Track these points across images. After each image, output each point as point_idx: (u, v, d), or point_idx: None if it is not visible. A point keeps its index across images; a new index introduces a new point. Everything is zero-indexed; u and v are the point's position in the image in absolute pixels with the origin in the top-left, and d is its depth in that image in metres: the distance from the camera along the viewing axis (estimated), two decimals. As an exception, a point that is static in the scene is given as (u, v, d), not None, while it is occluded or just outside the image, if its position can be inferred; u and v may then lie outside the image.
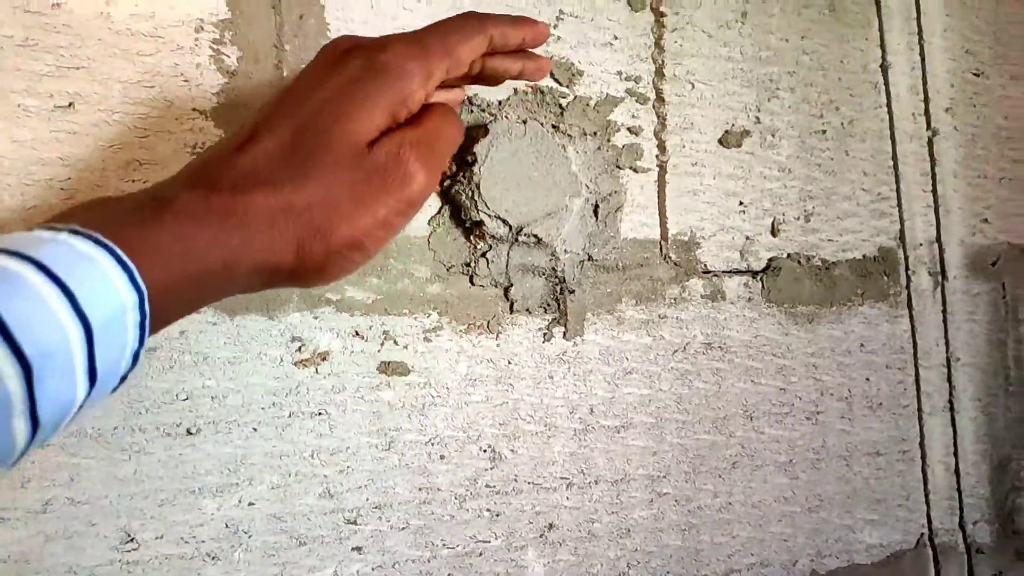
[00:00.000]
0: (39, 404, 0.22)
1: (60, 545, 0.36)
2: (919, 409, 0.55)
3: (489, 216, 0.43)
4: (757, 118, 0.51)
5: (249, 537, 0.39)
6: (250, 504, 0.39)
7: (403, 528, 0.42)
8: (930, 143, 0.56)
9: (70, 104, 0.37)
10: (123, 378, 0.26)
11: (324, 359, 0.41)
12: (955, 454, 0.56)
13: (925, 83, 0.56)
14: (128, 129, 0.38)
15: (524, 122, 0.44)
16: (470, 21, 0.33)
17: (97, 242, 0.23)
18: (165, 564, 0.38)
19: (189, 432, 0.38)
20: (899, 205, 0.55)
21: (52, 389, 0.22)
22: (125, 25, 0.38)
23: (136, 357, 0.26)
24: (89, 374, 0.23)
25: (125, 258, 0.24)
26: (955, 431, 0.56)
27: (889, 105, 0.55)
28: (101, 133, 0.38)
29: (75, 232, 0.23)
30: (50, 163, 0.37)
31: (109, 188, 0.38)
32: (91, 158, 0.38)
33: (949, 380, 0.56)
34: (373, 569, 0.41)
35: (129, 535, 0.37)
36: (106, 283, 0.23)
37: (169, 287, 0.26)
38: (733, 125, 0.51)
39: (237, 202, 0.27)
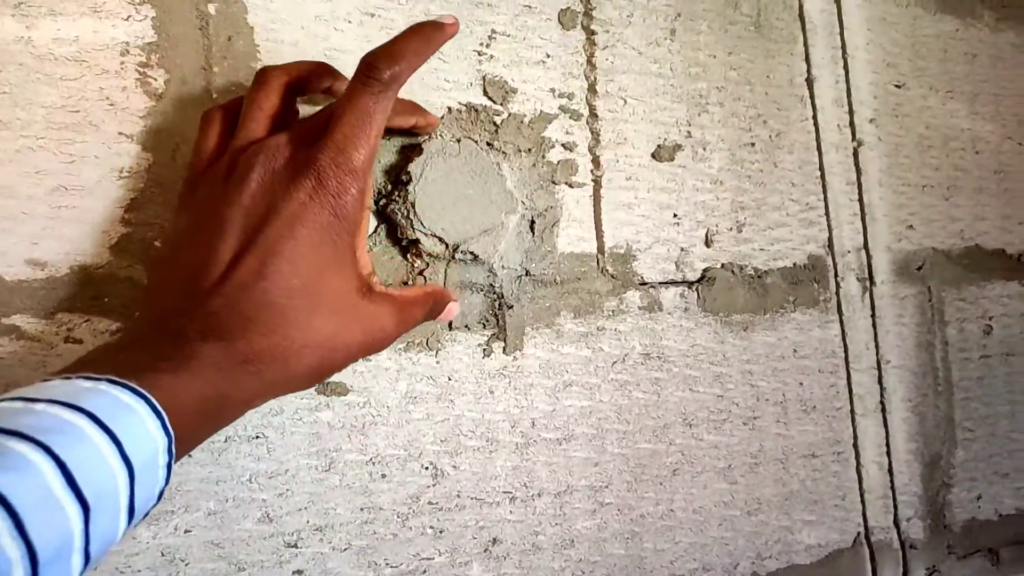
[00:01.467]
0: (92, 541, 0.24)
1: (-14, 582, 0.35)
2: (852, 411, 0.57)
3: (425, 235, 0.43)
4: (688, 132, 0.53)
5: (186, 565, 0.39)
6: (186, 531, 0.39)
7: (345, 549, 0.42)
8: (855, 153, 0.59)
9: None
10: (146, 514, 0.28)
11: (260, 382, 0.41)
12: (888, 453, 0.58)
13: (849, 95, 0.59)
14: (53, 155, 0.38)
15: (458, 140, 0.45)
16: (370, 124, 0.34)
17: (134, 391, 0.26)
18: (98, 596, 0.37)
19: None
20: (827, 214, 0.57)
21: (102, 527, 0.24)
22: (47, 49, 0.38)
23: (161, 494, 0.28)
24: (129, 512, 0.25)
25: (158, 406, 0.26)
26: (887, 431, 0.58)
27: (815, 117, 0.57)
28: (25, 159, 0.37)
29: (113, 382, 0.26)
30: None
31: (36, 215, 0.37)
32: (15, 184, 0.37)
33: (880, 382, 0.58)
34: (315, 591, 0.41)
35: (60, 568, 0.37)
36: (144, 429, 0.26)
37: (192, 428, 0.29)
38: (665, 139, 0.52)
39: (252, 352, 0.30)
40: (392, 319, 0.35)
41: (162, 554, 0.38)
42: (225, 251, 0.32)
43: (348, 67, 0.43)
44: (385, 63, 0.32)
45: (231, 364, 0.30)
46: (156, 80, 0.40)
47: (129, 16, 0.39)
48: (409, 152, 0.44)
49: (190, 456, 0.39)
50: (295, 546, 0.41)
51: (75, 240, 0.38)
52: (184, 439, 0.28)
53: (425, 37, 0.33)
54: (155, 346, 0.30)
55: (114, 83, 0.39)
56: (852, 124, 0.59)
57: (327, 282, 0.33)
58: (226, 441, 0.40)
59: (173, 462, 0.28)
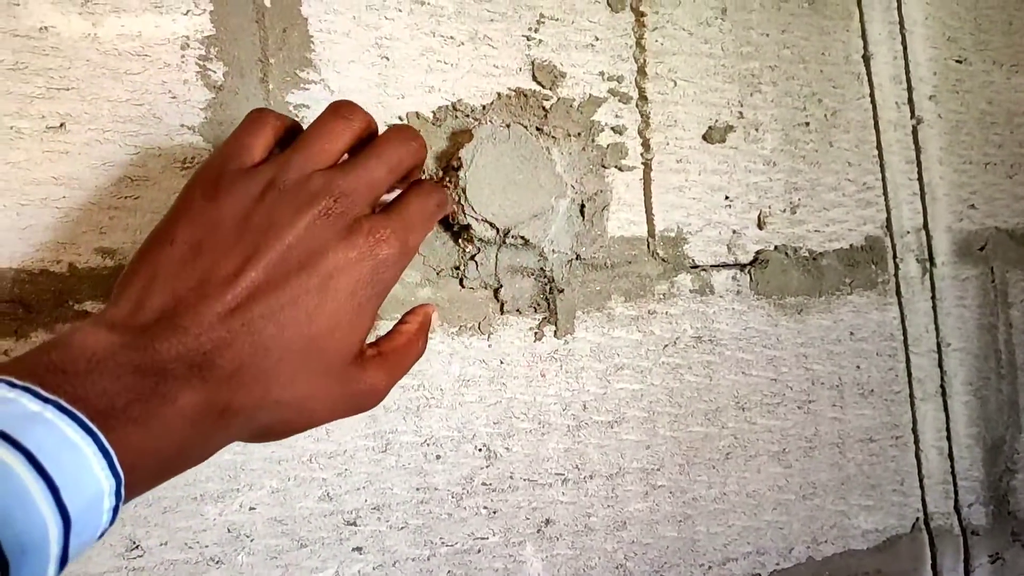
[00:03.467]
0: None
1: (67, 554, 0.37)
2: (911, 395, 0.55)
3: (476, 220, 0.43)
4: (740, 113, 0.52)
5: (251, 540, 0.40)
6: (251, 509, 0.40)
7: (402, 528, 0.43)
8: (914, 131, 0.57)
9: (61, 124, 0.38)
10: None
11: (319, 365, 0.42)
12: (948, 438, 0.56)
13: (908, 72, 0.57)
14: (119, 147, 0.39)
15: (508, 126, 0.45)
16: (436, 215, 0.35)
17: (84, 427, 0.23)
18: (170, 569, 0.39)
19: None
20: (885, 194, 0.56)
21: None
22: (112, 45, 0.39)
23: (103, 535, 0.25)
24: (60, 561, 0.23)
25: (108, 446, 0.23)
26: (947, 415, 0.56)
27: (872, 95, 0.56)
28: (92, 151, 0.39)
29: (63, 409, 0.23)
30: (44, 183, 0.38)
31: (103, 205, 0.39)
32: (84, 176, 0.38)
33: (940, 365, 0.57)
34: (374, 568, 0.42)
35: (134, 542, 0.38)
36: (88, 471, 0.23)
37: (146, 479, 0.26)
38: (716, 121, 0.51)
39: (233, 403, 0.27)
40: (383, 380, 0.33)
41: (228, 530, 0.40)
42: (245, 278, 0.28)
43: (399, 56, 0.44)
44: (448, 207, 0.37)
45: (207, 416, 0.27)
46: (215, 72, 0.41)
47: (188, 11, 0.41)
48: (459, 138, 0.45)
49: (253, 437, 0.40)
50: (354, 524, 0.42)
51: (141, 229, 0.39)
52: (135, 487, 0.25)
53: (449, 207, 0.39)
54: (129, 373, 0.25)
55: (175, 76, 0.40)
56: (911, 101, 0.57)
57: (332, 344, 0.30)
58: (287, 422, 0.41)
59: (121, 504, 0.25)
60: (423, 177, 0.40)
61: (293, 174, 0.31)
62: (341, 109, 0.33)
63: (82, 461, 0.23)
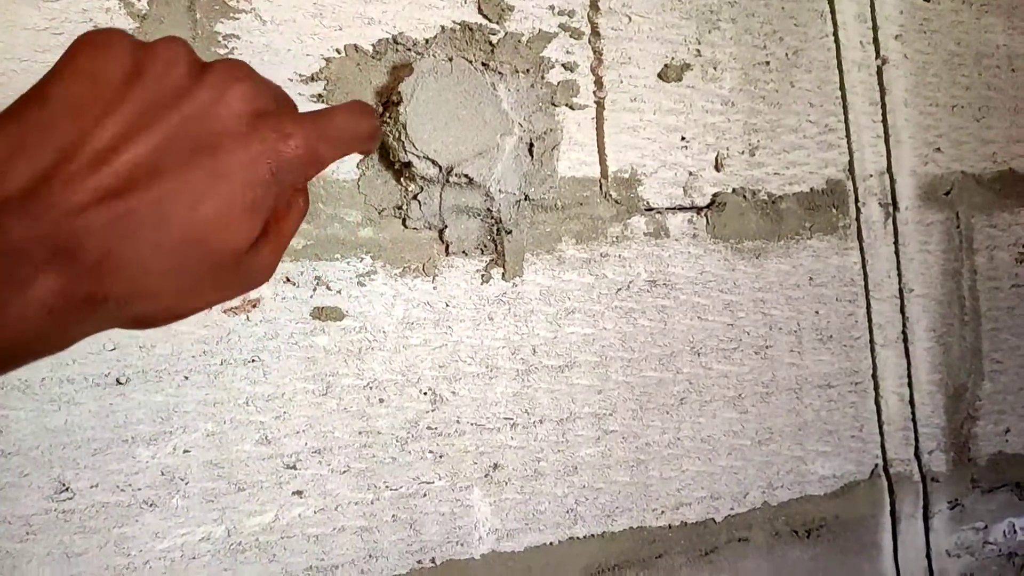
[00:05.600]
0: None
1: (-6, 497, 0.37)
2: (871, 341, 0.55)
3: (417, 157, 0.42)
4: (698, 51, 0.51)
5: (186, 484, 0.39)
6: (185, 452, 0.39)
7: (344, 471, 0.42)
8: (879, 72, 0.56)
9: None
10: None
11: (255, 306, 0.41)
12: (909, 385, 0.56)
13: (873, 10, 0.55)
14: (37, 77, 0.37)
15: (450, 59, 0.43)
16: (351, 145, 0.32)
17: None
18: (102, 512, 0.38)
19: (119, 382, 0.38)
20: (847, 136, 0.55)
21: None
22: (29, -29, 0.37)
23: None
24: None
25: None
26: (909, 362, 0.56)
27: (836, 34, 0.54)
28: (9, 82, 0.37)
29: None
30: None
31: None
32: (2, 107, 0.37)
33: (902, 311, 0.56)
34: (315, 512, 0.42)
35: (64, 484, 0.38)
36: None
37: None
38: (673, 59, 0.50)
39: (99, 292, 0.25)
40: (269, 256, 0.30)
41: (162, 473, 0.39)
42: (123, 156, 0.25)
43: None
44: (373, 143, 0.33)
45: (68, 304, 0.24)
46: (139, 1, 0.39)
47: (110, -65, 0.39)
48: (400, 72, 0.43)
49: (186, 378, 0.39)
50: (294, 468, 0.41)
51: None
52: None
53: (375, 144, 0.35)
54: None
55: (97, 4, 0.38)
56: (876, 41, 0.56)
57: (219, 240, 0.27)
58: (222, 364, 0.40)
59: None
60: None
61: (200, 63, 0.27)
62: None
63: None
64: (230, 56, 0.40)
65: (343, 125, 0.32)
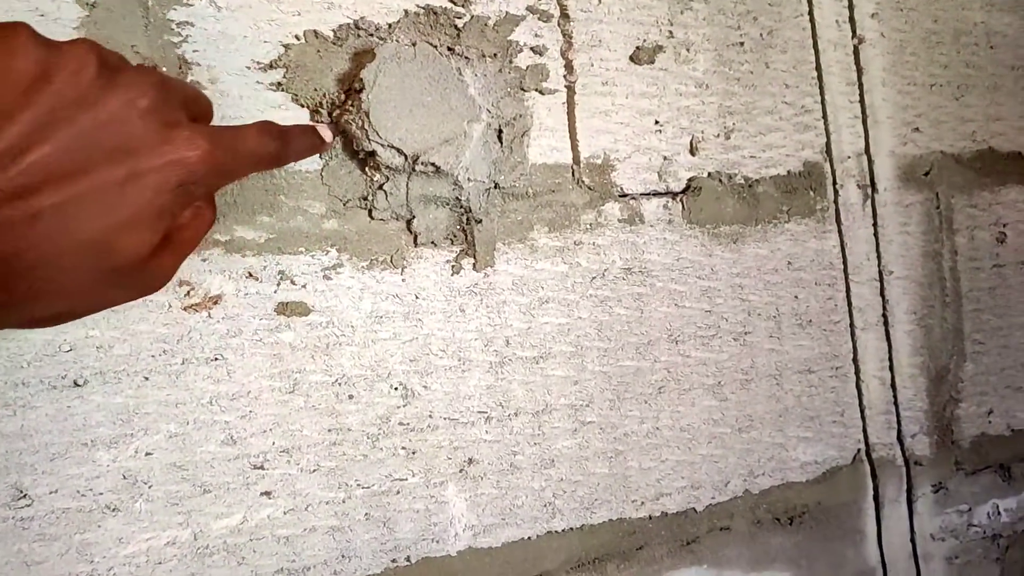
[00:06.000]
0: None
1: (-53, 506, 0.35)
2: (851, 324, 0.54)
3: (382, 145, 0.41)
4: (670, 32, 0.49)
5: (149, 487, 0.38)
6: (147, 454, 0.38)
7: (314, 470, 0.41)
8: (855, 51, 0.55)
9: None
10: None
11: (216, 303, 0.40)
12: (891, 368, 0.55)
13: (848, -12, 0.54)
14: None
15: (414, 44, 0.42)
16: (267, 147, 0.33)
17: None
18: (63, 518, 0.37)
19: (76, 384, 0.37)
20: (824, 117, 0.54)
21: None
22: (-32, -42, 0.36)
23: None
24: None
25: None
26: (890, 345, 0.55)
27: (811, 13, 0.53)
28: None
29: None
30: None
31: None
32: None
33: (882, 294, 0.55)
34: (285, 513, 0.41)
35: (21, 491, 0.36)
36: None
37: None
38: (645, 40, 0.49)
39: (6, 293, 0.25)
40: (169, 261, 0.31)
41: (124, 476, 0.38)
42: (35, 154, 0.25)
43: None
44: (287, 144, 0.34)
45: None
46: (86, -12, 0.38)
47: (54, -80, 0.37)
48: (362, 58, 0.42)
49: (146, 379, 0.38)
50: (262, 468, 0.40)
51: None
52: None
53: (312, 144, 0.38)
54: None
55: (42, -8, 0.37)
56: (852, 19, 0.55)
57: (123, 244, 0.27)
58: (183, 363, 0.39)
59: None
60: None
61: (117, 56, 0.28)
62: None
63: None
64: (184, 43, 0.38)
65: (253, 144, 0.32)
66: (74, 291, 0.27)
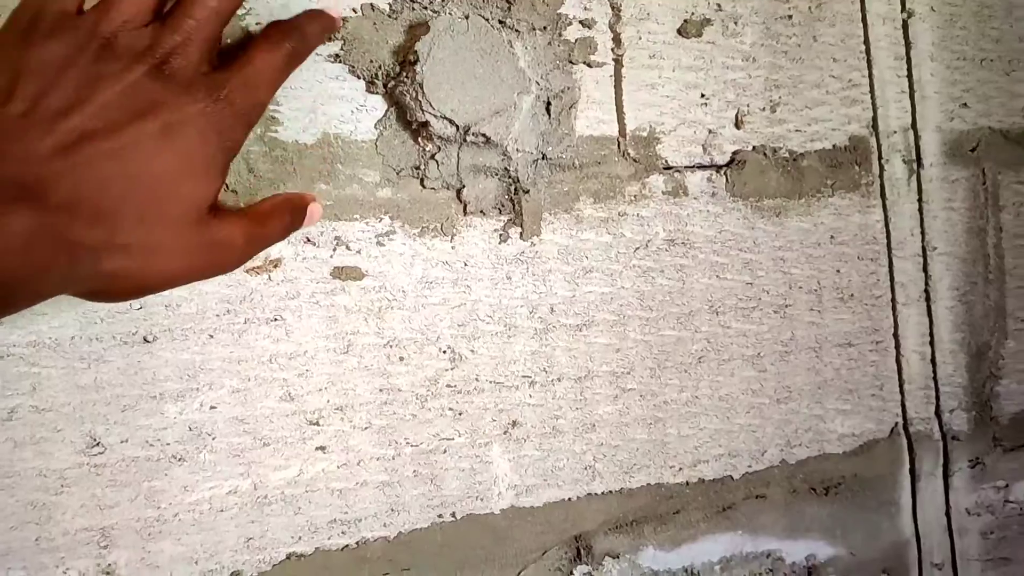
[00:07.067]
0: None
1: (29, 451, 0.38)
2: (893, 300, 0.54)
3: (435, 116, 0.42)
4: (718, 5, 0.50)
5: (213, 439, 0.41)
6: (212, 408, 0.40)
7: (366, 428, 0.43)
8: (905, 25, 0.54)
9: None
10: None
11: (276, 266, 0.41)
12: (931, 343, 0.55)
13: (899, -40, 0.54)
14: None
15: (467, 17, 0.43)
16: (281, 76, 0.34)
17: None
18: (132, 466, 0.39)
19: (146, 340, 0.39)
20: (871, 91, 0.53)
21: None
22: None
23: None
24: None
25: None
26: (931, 321, 0.55)
27: (860, -14, 0.53)
28: None
29: None
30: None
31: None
32: None
33: (925, 270, 0.55)
34: (338, 467, 0.43)
35: (95, 439, 0.39)
36: None
37: None
38: (692, 14, 0.49)
39: (72, 234, 0.26)
40: (242, 235, 0.32)
41: (189, 428, 0.40)
42: (76, 119, 0.27)
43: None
44: (302, 34, 0.35)
45: (43, 242, 0.26)
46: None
47: None
48: (416, 31, 0.43)
49: (211, 336, 0.40)
50: (317, 424, 0.42)
51: None
52: None
53: (323, 26, 0.37)
54: None
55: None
56: (902, -8, 0.54)
57: (180, 190, 0.30)
58: (245, 323, 0.41)
59: None
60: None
61: (112, 26, 0.29)
62: None
63: None
64: (247, 15, 0.40)
65: (265, 63, 0.33)
66: (141, 244, 0.29)
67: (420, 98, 0.42)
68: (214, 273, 0.33)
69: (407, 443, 0.44)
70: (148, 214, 0.29)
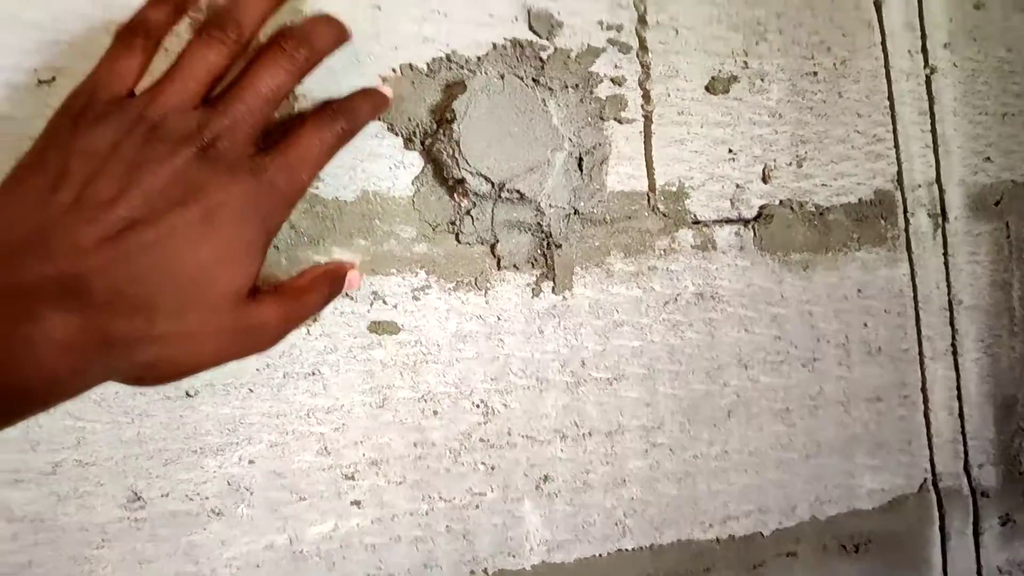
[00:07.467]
0: None
1: (72, 505, 0.38)
2: (920, 353, 0.54)
3: (471, 173, 0.43)
4: (745, 63, 0.51)
5: (251, 493, 0.41)
6: (250, 462, 0.41)
7: (400, 482, 0.43)
8: (928, 81, 0.55)
9: (52, 79, 0.38)
10: None
11: (315, 320, 0.42)
12: (958, 397, 0.55)
13: (921, 18, 0.55)
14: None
15: (502, 77, 0.44)
16: (325, 157, 0.34)
17: None
18: (172, 520, 0.40)
19: (188, 395, 0.40)
20: (896, 146, 0.54)
21: None
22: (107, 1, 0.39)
23: None
24: None
25: None
26: (958, 374, 0.55)
27: (884, 43, 0.54)
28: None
29: None
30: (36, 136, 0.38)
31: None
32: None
33: (951, 323, 0.55)
34: (372, 522, 0.43)
35: (136, 494, 0.39)
36: None
37: (14, 400, 0.25)
38: (720, 71, 0.50)
39: (111, 331, 0.27)
40: (279, 316, 0.33)
41: (228, 483, 0.40)
42: (121, 208, 0.28)
43: (392, 5, 0.43)
44: (353, 114, 0.36)
45: (81, 343, 0.26)
46: (205, 26, 0.40)
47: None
48: (453, 90, 0.44)
49: (251, 391, 0.41)
50: (352, 478, 0.42)
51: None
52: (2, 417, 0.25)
53: (375, 104, 0.38)
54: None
55: (165, 30, 0.40)
56: (924, 49, 0.55)
57: (218, 278, 0.30)
58: (284, 377, 0.41)
59: None
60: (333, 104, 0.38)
61: (161, 109, 0.30)
62: (211, 28, 0.31)
63: None
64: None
65: (312, 141, 0.33)
66: (178, 333, 0.29)
67: (457, 155, 0.43)
68: (251, 354, 0.33)
69: (440, 498, 0.44)
70: (185, 304, 0.29)
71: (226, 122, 0.30)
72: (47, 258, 0.26)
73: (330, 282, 0.36)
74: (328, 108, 0.35)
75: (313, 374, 0.42)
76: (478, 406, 0.45)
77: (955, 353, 0.55)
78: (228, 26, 0.31)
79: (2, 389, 0.24)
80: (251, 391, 0.41)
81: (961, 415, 0.55)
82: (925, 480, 0.54)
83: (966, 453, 0.56)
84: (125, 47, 0.31)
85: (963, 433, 0.56)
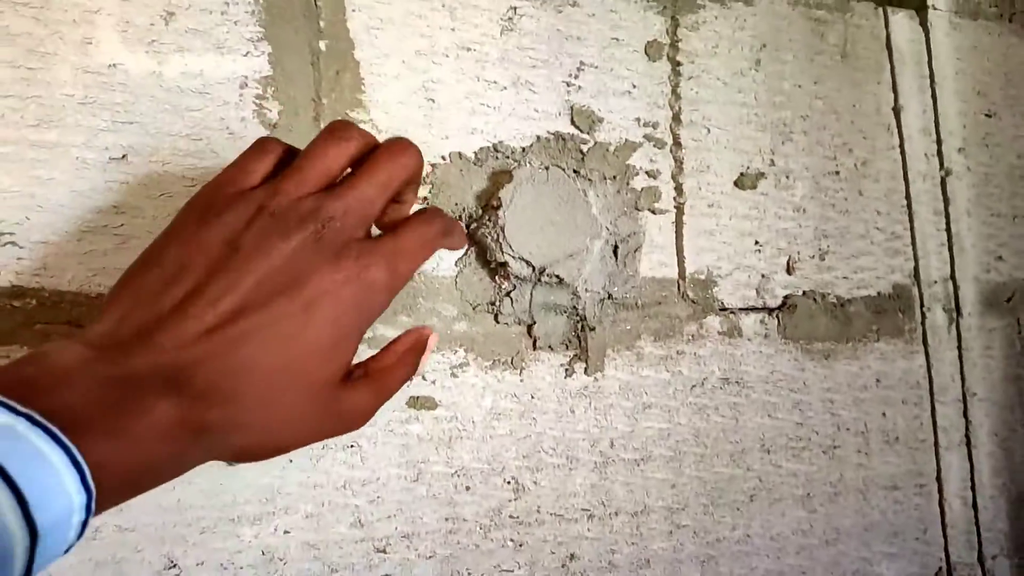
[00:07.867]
0: None
1: (108, 570, 0.39)
2: (936, 443, 0.56)
3: (513, 258, 0.45)
4: (772, 160, 0.53)
5: (284, 564, 0.41)
6: (285, 532, 0.41)
7: (430, 557, 0.44)
8: (943, 183, 0.58)
9: (123, 156, 0.40)
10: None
11: (356, 394, 0.43)
12: (972, 488, 0.56)
13: (937, 125, 0.58)
14: (177, 179, 0.41)
15: (546, 168, 0.46)
16: (429, 250, 0.35)
17: (56, 440, 0.23)
18: (206, 589, 0.40)
19: (229, 464, 0.41)
20: (913, 243, 0.57)
21: None
22: (175, 83, 0.41)
23: (68, 549, 0.24)
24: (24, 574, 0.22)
25: (80, 459, 0.23)
26: (972, 465, 0.57)
27: (902, 146, 0.57)
28: (152, 183, 0.41)
29: (33, 422, 0.22)
30: (105, 211, 0.40)
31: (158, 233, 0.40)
32: (142, 206, 0.40)
33: (965, 415, 0.57)
34: (401, 597, 0.43)
35: (172, 561, 0.40)
36: (58, 485, 0.22)
37: (118, 487, 0.26)
38: (748, 167, 0.53)
39: (206, 420, 0.28)
40: (369, 398, 0.33)
41: (263, 553, 0.41)
42: (228, 299, 0.28)
43: (445, 99, 0.46)
44: (452, 227, 0.36)
45: (180, 431, 0.27)
46: (271, 111, 0.43)
47: (248, 52, 0.43)
48: (499, 178, 0.46)
49: (291, 461, 0.42)
50: (384, 551, 0.43)
51: (195, 257, 0.41)
52: (104, 501, 0.25)
53: (463, 237, 0.38)
54: (102, 385, 0.26)
55: (233, 114, 0.42)
56: (940, 153, 0.58)
57: (313, 368, 0.30)
58: (323, 448, 0.42)
59: (91, 518, 0.24)
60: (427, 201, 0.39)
61: (283, 198, 0.30)
62: (336, 130, 0.33)
63: (52, 475, 0.22)
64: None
65: (417, 235, 0.34)
66: (268, 421, 0.29)
67: (501, 240, 0.45)
68: (344, 433, 0.33)
69: (469, 573, 0.44)
70: (280, 392, 0.29)
71: (340, 206, 0.31)
72: (155, 351, 0.27)
73: (416, 354, 0.37)
74: (434, 210, 0.36)
75: (351, 446, 0.43)
76: (509, 483, 0.46)
77: (969, 445, 0.57)
78: (354, 128, 0.33)
79: (107, 476, 0.24)
80: (291, 461, 0.42)
81: (975, 506, 0.56)
82: (940, 569, 0.55)
83: (980, 544, 0.56)
84: (258, 150, 0.33)
85: (977, 524, 0.56)
